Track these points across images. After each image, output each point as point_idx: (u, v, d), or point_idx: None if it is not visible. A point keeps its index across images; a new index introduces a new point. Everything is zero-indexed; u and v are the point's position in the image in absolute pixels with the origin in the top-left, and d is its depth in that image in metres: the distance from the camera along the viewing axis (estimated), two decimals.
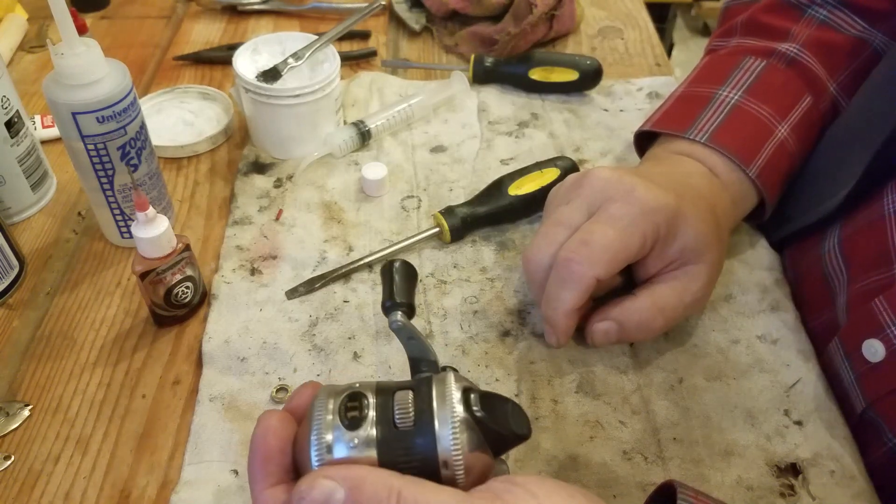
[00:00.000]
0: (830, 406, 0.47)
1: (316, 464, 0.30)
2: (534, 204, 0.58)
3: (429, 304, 0.54)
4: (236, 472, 0.44)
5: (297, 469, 0.33)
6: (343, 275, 0.55)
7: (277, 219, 0.60)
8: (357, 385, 0.33)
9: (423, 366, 0.36)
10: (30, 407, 0.48)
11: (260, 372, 0.49)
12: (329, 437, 0.31)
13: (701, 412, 0.47)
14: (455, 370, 0.36)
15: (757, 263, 0.56)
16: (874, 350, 0.45)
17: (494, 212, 0.58)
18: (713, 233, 0.48)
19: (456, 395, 0.31)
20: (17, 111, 0.57)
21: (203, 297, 0.54)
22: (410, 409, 0.31)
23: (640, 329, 0.48)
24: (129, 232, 0.48)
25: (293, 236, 0.59)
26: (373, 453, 0.30)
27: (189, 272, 0.51)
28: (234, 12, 0.86)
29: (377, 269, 0.56)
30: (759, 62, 0.56)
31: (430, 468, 0.30)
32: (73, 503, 0.43)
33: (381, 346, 0.51)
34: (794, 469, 0.44)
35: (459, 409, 0.31)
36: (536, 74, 0.72)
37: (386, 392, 0.32)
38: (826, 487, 0.43)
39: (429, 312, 0.53)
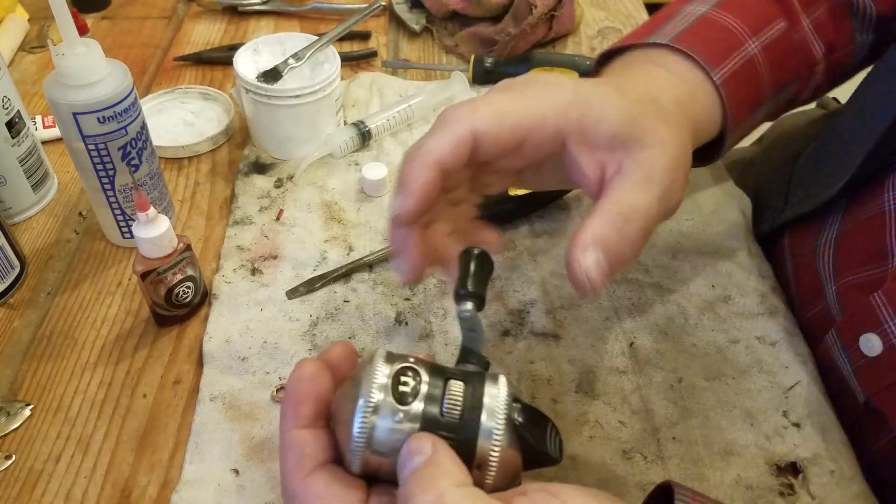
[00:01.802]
0: (828, 411, 0.47)
1: (358, 423, 0.31)
2: (534, 204, 0.58)
3: (429, 303, 0.54)
4: (237, 471, 0.44)
5: (329, 418, 0.33)
6: (343, 275, 0.55)
7: (278, 219, 0.60)
8: (412, 360, 0.33)
9: (473, 359, 0.36)
10: (31, 407, 0.48)
11: (261, 372, 0.49)
12: (377, 399, 0.31)
13: (700, 412, 0.47)
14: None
15: (754, 271, 0.56)
16: (871, 344, 0.45)
17: (494, 212, 0.58)
18: (652, 113, 0.39)
19: (506, 398, 0.31)
20: (18, 111, 0.57)
21: (204, 297, 0.54)
22: (460, 401, 0.31)
23: (621, 242, 0.37)
24: (130, 232, 0.48)
25: (294, 236, 0.59)
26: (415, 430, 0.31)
27: (190, 272, 0.51)
28: (235, 13, 0.86)
29: (377, 269, 0.56)
30: None
31: (464, 462, 0.30)
32: (74, 503, 0.43)
33: (381, 345, 0.51)
34: (793, 468, 0.44)
35: (507, 412, 0.31)
36: None
37: (439, 375, 0.32)
38: (826, 487, 0.43)
39: (428, 312, 0.53)
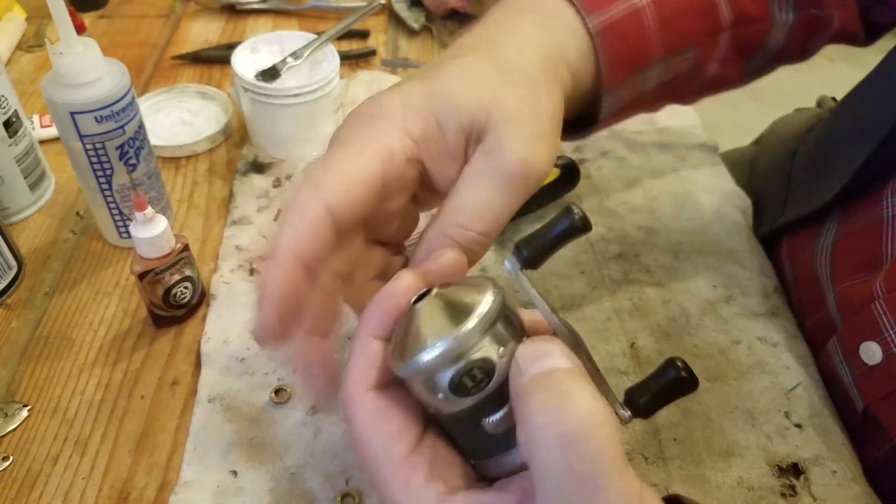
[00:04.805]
0: (829, 412, 0.47)
1: (424, 363, 0.28)
2: (533, 204, 0.58)
3: None
4: (235, 472, 0.44)
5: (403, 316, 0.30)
6: None
7: (276, 219, 0.60)
8: (496, 359, 0.29)
9: (515, 320, 0.31)
10: (28, 407, 0.48)
11: (259, 373, 0.49)
12: (436, 373, 0.28)
13: (702, 413, 0.47)
14: None
15: (756, 271, 0.56)
16: (871, 353, 0.45)
17: None
18: (503, 82, 0.35)
19: None
20: (16, 111, 0.57)
21: (202, 298, 0.54)
22: (506, 424, 0.29)
23: (465, 252, 0.33)
24: (128, 232, 0.48)
25: None
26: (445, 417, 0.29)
27: (188, 272, 0.50)
28: (233, 11, 0.86)
29: None
30: None
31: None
32: None
33: None
34: (795, 469, 0.44)
35: None
36: None
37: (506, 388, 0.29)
38: (828, 488, 0.43)
39: None
